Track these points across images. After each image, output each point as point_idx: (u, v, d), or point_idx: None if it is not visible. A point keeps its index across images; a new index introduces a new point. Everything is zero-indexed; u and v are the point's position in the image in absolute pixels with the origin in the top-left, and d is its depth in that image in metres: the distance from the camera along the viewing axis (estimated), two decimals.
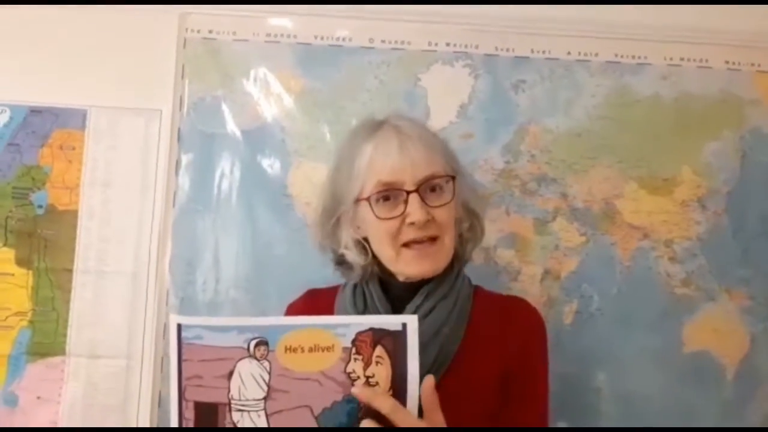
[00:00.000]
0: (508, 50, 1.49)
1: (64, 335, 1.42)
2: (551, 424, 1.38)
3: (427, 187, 1.07)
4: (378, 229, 1.08)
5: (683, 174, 1.47)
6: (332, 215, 1.14)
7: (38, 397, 1.41)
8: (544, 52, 1.49)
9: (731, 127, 1.48)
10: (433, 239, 1.07)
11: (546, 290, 1.45)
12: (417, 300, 1.09)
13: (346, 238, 1.13)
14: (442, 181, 1.09)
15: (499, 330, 1.10)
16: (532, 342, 1.12)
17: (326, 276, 1.23)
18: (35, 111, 1.46)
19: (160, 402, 1.42)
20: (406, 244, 1.07)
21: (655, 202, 1.47)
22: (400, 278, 1.11)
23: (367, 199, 1.08)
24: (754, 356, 1.44)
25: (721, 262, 1.46)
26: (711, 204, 1.47)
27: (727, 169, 1.47)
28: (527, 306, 1.17)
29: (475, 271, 1.32)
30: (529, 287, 1.44)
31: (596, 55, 1.49)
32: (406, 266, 1.08)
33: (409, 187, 1.06)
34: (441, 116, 1.48)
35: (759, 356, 1.44)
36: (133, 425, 1.41)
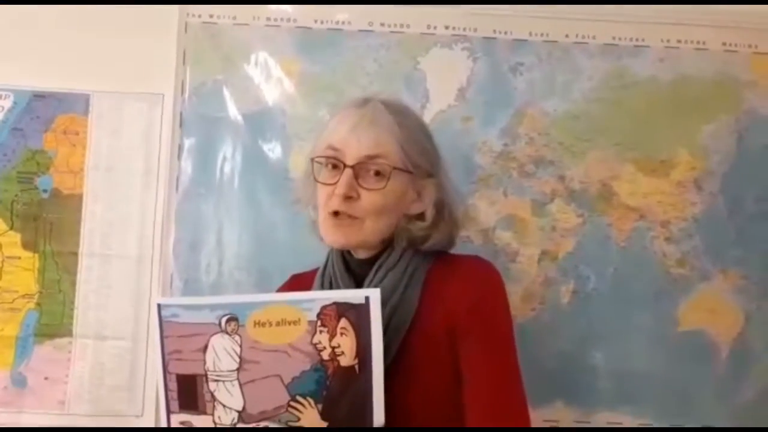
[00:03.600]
0: (506, 33, 1.50)
1: (71, 317, 1.45)
2: (548, 402, 1.44)
3: (369, 168, 1.10)
4: (318, 192, 1.14)
5: (679, 155, 1.48)
6: (310, 173, 1.18)
7: (46, 378, 1.44)
8: (542, 34, 1.50)
9: (728, 109, 1.49)
10: (353, 217, 1.10)
11: (543, 271, 1.47)
12: (371, 275, 1.12)
13: (315, 198, 1.18)
14: (386, 167, 1.10)
15: (450, 289, 1.11)
16: (483, 295, 1.11)
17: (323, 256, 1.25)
18: (38, 96, 1.48)
19: None
20: (331, 213, 1.11)
21: (651, 183, 1.48)
22: (356, 254, 1.15)
23: (314, 159, 1.14)
24: (747, 335, 1.46)
25: (716, 243, 1.47)
26: (707, 185, 1.48)
27: (723, 151, 1.48)
28: (480, 262, 1.17)
29: (473, 252, 1.34)
30: (527, 268, 1.46)
31: (594, 37, 1.49)
32: (325, 233, 1.13)
33: (349, 161, 1.10)
34: (440, 99, 1.49)
35: (753, 335, 1.46)
36: (139, 404, 1.44)
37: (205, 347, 1.01)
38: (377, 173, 1.10)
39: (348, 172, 1.09)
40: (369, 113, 1.13)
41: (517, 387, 1.08)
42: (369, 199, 1.10)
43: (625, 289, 1.46)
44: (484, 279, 1.13)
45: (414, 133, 1.16)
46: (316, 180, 1.14)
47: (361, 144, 1.10)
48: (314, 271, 1.21)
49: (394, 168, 1.11)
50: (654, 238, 1.47)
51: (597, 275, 1.47)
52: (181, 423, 1.04)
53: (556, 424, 1.44)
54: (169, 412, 1.05)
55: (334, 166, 1.12)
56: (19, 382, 1.43)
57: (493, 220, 1.48)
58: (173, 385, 1.03)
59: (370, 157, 1.10)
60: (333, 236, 1.12)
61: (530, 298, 1.46)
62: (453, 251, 1.22)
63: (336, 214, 1.10)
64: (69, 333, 1.45)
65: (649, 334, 1.46)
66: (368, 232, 1.11)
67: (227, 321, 1.01)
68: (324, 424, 1.01)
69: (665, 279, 1.47)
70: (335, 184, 1.10)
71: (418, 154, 1.14)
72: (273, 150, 1.49)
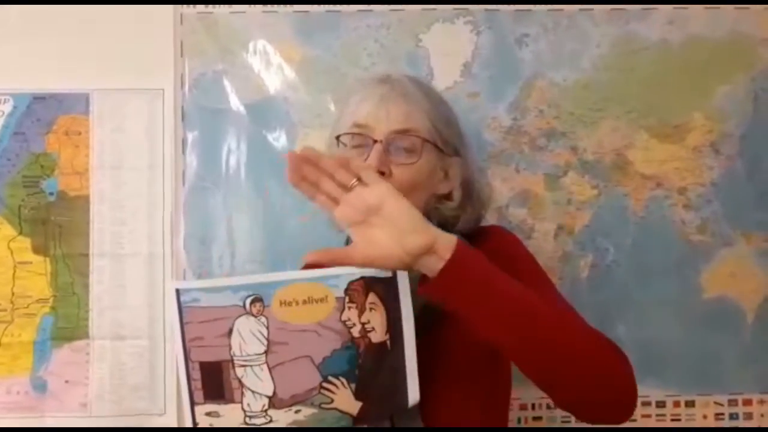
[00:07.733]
0: (509, 3, 1.46)
1: (86, 319, 1.44)
2: None
3: (399, 143, 1.06)
4: None
5: (695, 119, 1.45)
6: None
7: (66, 381, 1.43)
8: (546, 3, 1.46)
9: (742, 68, 1.45)
10: None
11: (561, 246, 1.45)
12: None
13: None
14: (417, 141, 1.07)
15: None
16: (504, 246, 1.08)
17: (338, 245, 1.23)
18: (38, 98, 1.46)
19: None
20: None
21: (666, 149, 1.45)
22: None
23: (339, 137, 1.09)
24: None
25: (737, 207, 1.45)
26: (724, 148, 1.45)
27: (740, 112, 1.45)
28: (496, 228, 1.16)
29: None
30: (543, 244, 1.44)
31: (600, 3, 1.45)
32: None
33: (378, 136, 1.05)
34: (445, 76, 1.46)
35: None
36: (161, 402, 1.44)
37: (230, 331, 0.96)
38: (407, 150, 1.06)
39: (378, 147, 1.05)
40: (396, 86, 1.08)
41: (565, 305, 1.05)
42: (400, 175, 1.05)
43: (646, 260, 1.44)
44: (503, 237, 1.12)
45: (442, 108, 1.12)
46: None
47: (391, 118, 1.06)
48: None
49: (425, 141, 1.07)
50: (672, 205, 1.45)
51: (616, 247, 1.44)
52: (207, 414, 1.00)
53: None
54: (193, 403, 0.99)
55: (361, 144, 1.07)
56: (40, 386, 1.43)
57: (506, 197, 1.45)
58: (196, 375, 0.98)
59: (400, 132, 1.06)
60: None
61: (548, 274, 1.39)
62: None
63: None
64: (86, 335, 1.44)
65: (672, 304, 1.44)
66: None
67: (252, 302, 0.96)
68: (358, 405, 0.98)
69: (686, 247, 1.45)
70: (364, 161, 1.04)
71: (447, 130, 1.10)
72: (278, 139, 1.47)
